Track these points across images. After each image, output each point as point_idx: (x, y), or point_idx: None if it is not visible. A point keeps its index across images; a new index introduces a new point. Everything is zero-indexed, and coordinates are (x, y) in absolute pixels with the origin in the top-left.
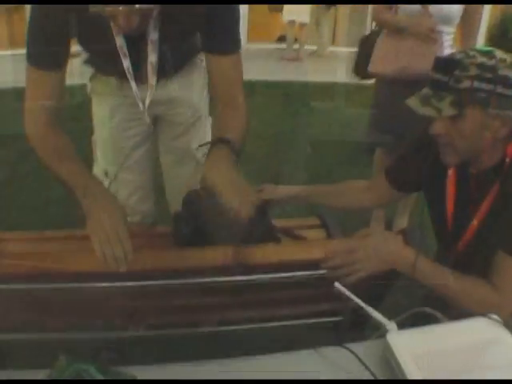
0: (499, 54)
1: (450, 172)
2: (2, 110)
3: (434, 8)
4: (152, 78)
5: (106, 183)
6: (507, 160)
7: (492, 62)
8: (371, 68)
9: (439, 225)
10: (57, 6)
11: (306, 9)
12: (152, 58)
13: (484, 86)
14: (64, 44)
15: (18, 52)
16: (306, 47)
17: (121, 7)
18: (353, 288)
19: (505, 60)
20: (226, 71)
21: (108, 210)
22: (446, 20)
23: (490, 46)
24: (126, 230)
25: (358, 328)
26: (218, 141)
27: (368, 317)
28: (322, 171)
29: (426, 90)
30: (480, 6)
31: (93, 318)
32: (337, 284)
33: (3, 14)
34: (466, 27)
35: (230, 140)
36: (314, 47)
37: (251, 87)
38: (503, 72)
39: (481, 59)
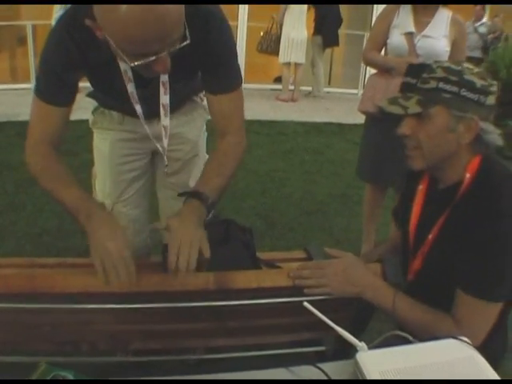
0: (466, 64)
1: (421, 187)
2: (2, 141)
3: (420, 48)
4: (165, 119)
5: None
6: (467, 176)
7: (458, 68)
8: (360, 107)
9: (403, 243)
10: (72, 50)
11: (301, 50)
12: (164, 99)
13: (449, 87)
14: (74, 84)
15: (20, 86)
16: (302, 88)
17: (154, 57)
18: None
19: (471, 69)
20: (226, 108)
21: (112, 234)
22: (433, 58)
23: None
24: (129, 253)
25: (340, 357)
26: (193, 194)
27: (350, 345)
28: (315, 207)
29: (395, 94)
30: (465, 44)
31: (78, 340)
32: (306, 304)
33: (7, 49)
34: None
35: (205, 195)
36: (310, 88)
37: (247, 126)
38: (468, 77)
39: (448, 64)
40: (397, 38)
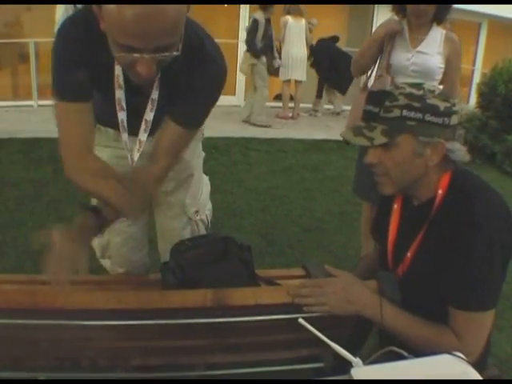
0: (427, 86)
1: (396, 206)
2: (4, 158)
3: (414, 64)
4: (143, 135)
5: None
6: (439, 192)
7: (420, 92)
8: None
9: (381, 261)
10: (78, 46)
11: (302, 67)
12: (148, 115)
13: (413, 114)
14: (87, 79)
15: (22, 103)
16: (302, 105)
17: (141, 55)
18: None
19: (433, 91)
20: (174, 139)
21: None
22: (427, 74)
23: (481, 102)
24: None
25: (339, 374)
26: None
27: (347, 362)
28: (314, 224)
29: (358, 122)
30: (459, 61)
31: (77, 356)
32: (301, 320)
33: (9, 66)
34: (447, 84)
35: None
36: (309, 105)
37: (246, 143)
38: (431, 101)
39: (409, 90)
40: (392, 53)
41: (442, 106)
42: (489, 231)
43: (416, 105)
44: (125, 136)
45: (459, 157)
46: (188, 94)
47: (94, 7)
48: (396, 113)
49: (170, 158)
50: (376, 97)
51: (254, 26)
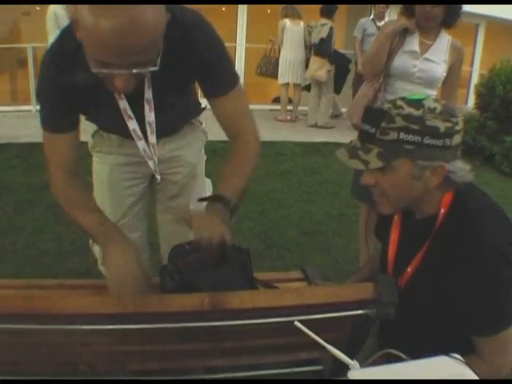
0: (428, 102)
1: (396, 217)
2: (2, 163)
3: (421, 71)
4: (152, 137)
5: None
6: (442, 211)
7: (419, 113)
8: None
9: (382, 268)
10: (60, 80)
11: (300, 71)
12: (150, 117)
13: (411, 137)
14: (72, 109)
15: (20, 108)
16: (301, 108)
17: (118, 71)
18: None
19: (434, 109)
20: (228, 109)
21: (124, 255)
22: (431, 83)
23: (479, 103)
24: (138, 271)
25: (338, 377)
26: (214, 198)
27: (345, 364)
28: (313, 227)
29: (355, 142)
30: (461, 69)
31: (76, 361)
32: (297, 323)
33: (7, 71)
34: (447, 89)
35: (227, 198)
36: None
37: None
38: (431, 122)
39: (408, 110)
40: (399, 56)
41: (442, 127)
42: (494, 252)
43: (414, 127)
44: (141, 144)
45: (461, 177)
46: (205, 71)
47: (70, 8)
48: (393, 136)
49: (245, 121)
50: (373, 116)
51: (330, 33)
